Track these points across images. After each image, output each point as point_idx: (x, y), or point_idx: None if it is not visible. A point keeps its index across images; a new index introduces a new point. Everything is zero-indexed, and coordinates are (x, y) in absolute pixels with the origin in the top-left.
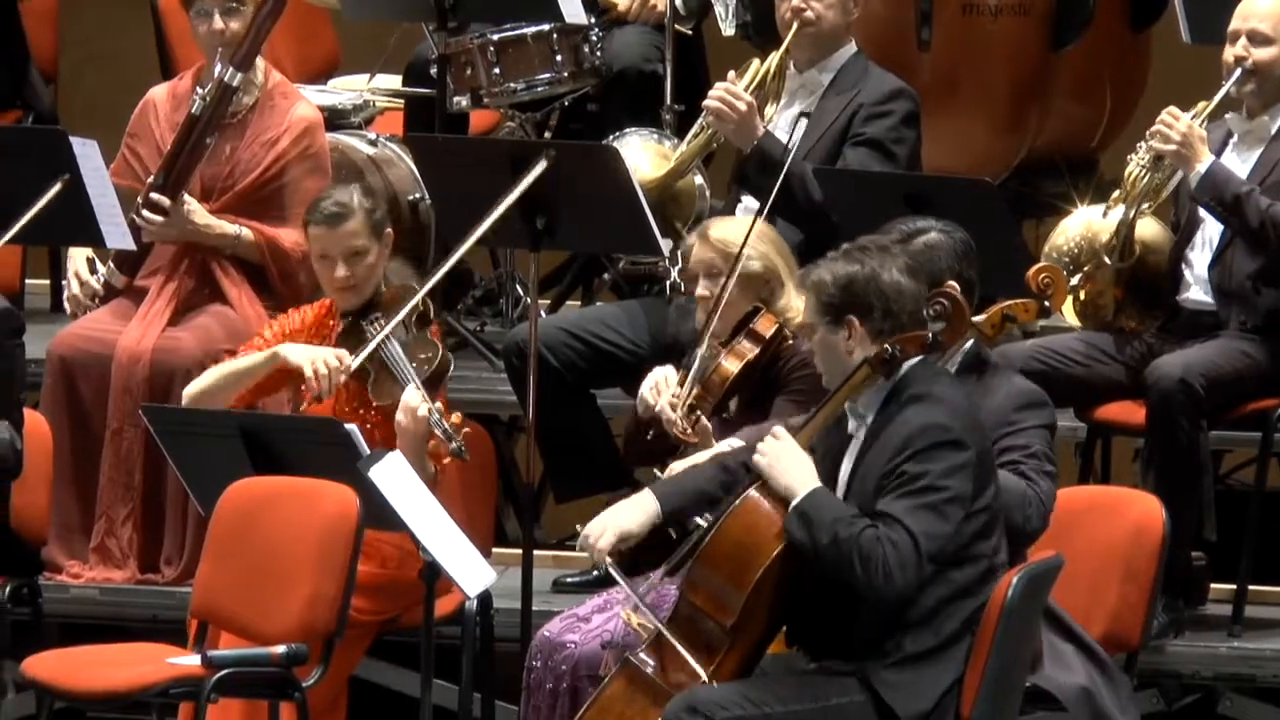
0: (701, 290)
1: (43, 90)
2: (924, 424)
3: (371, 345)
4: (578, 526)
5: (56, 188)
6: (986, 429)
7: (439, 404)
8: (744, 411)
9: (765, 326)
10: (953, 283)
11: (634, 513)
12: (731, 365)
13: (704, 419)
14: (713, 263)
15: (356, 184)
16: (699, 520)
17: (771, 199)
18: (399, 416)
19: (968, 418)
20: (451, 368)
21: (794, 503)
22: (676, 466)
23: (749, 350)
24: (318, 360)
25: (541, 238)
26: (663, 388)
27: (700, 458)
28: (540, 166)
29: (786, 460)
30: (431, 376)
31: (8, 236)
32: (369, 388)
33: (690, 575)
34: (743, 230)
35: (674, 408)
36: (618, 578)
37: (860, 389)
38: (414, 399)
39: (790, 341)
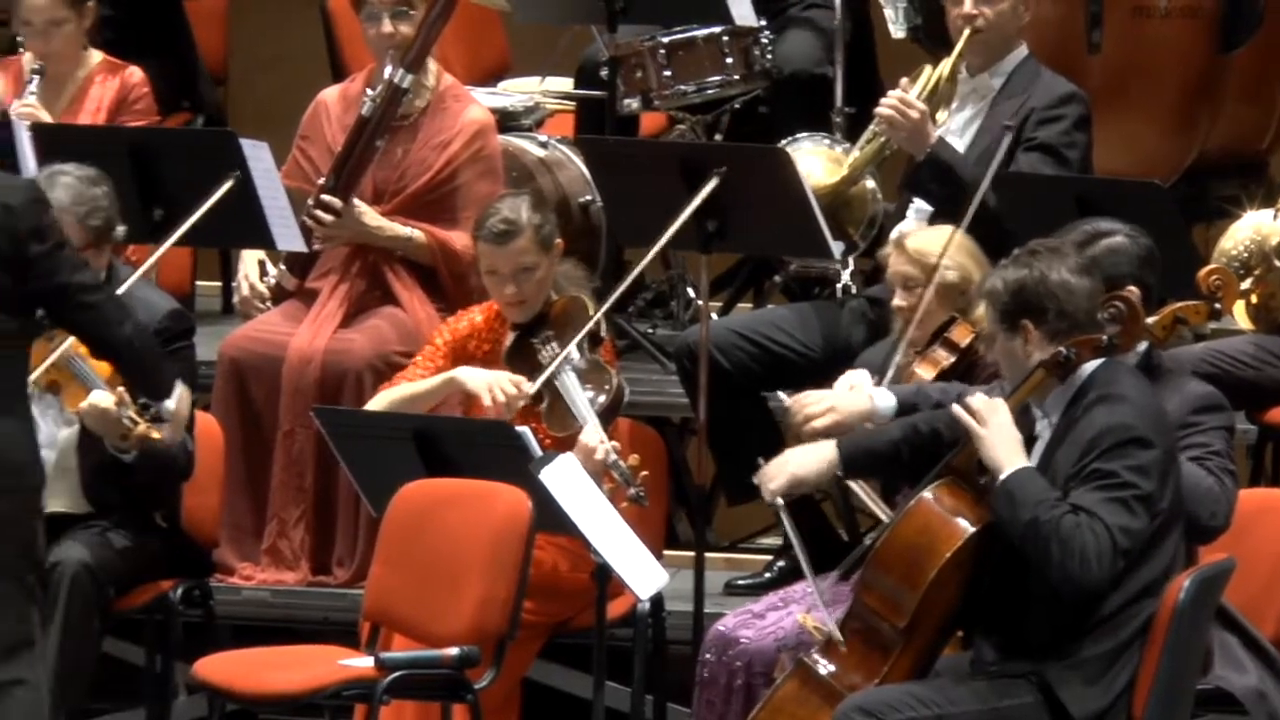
0: (898, 301)
1: (212, 92)
2: (1112, 423)
3: (548, 372)
4: (768, 488)
5: (228, 184)
6: (1171, 429)
7: (616, 444)
8: None
9: (961, 336)
10: (1132, 287)
11: (812, 460)
12: (925, 373)
13: None
14: (909, 274)
15: (526, 196)
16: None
17: (971, 212)
18: (576, 454)
19: (1154, 417)
20: (626, 396)
21: (1001, 478)
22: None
23: (943, 359)
24: (495, 387)
25: (713, 240)
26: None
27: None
28: (712, 184)
29: (998, 432)
30: (607, 409)
31: (177, 234)
32: (543, 414)
33: (864, 576)
34: (938, 240)
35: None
36: (785, 521)
37: (1038, 392)
38: (591, 439)
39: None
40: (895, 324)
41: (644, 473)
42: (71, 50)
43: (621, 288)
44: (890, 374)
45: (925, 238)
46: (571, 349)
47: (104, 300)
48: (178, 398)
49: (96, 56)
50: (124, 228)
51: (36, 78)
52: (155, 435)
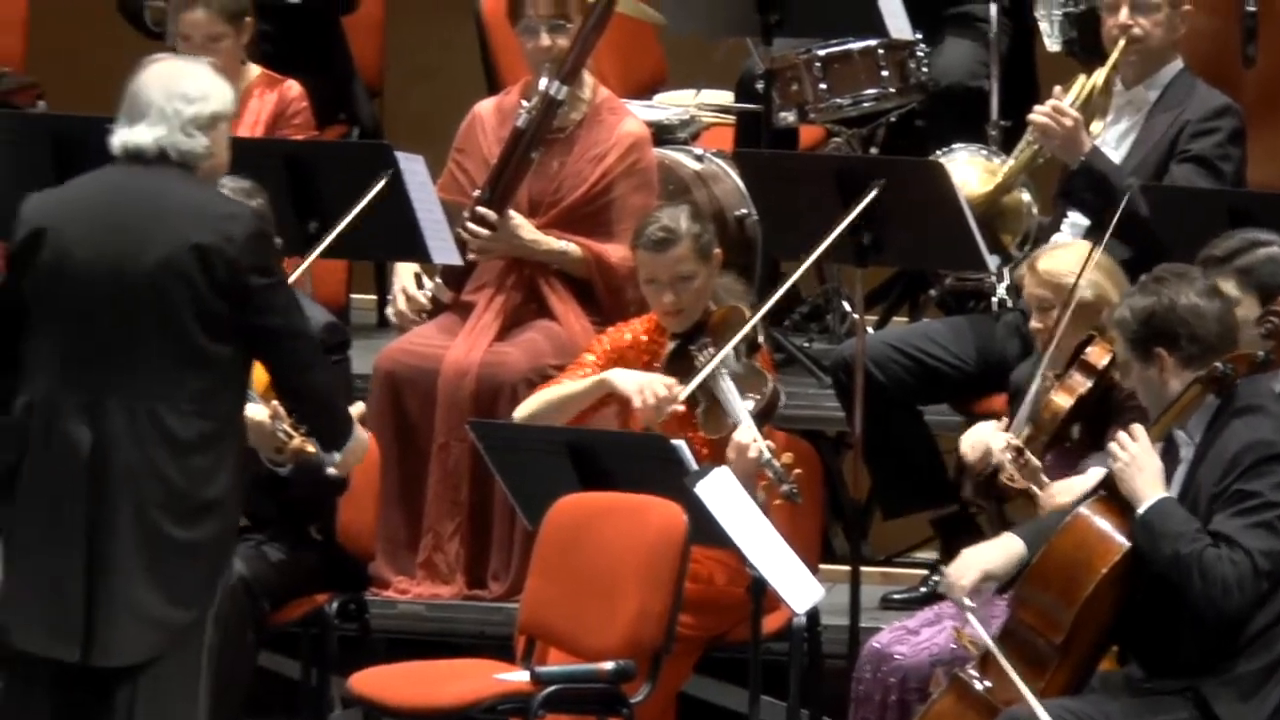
0: (1034, 324)
1: (368, 104)
2: (1251, 440)
3: (703, 374)
4: (959, 585)
5: (381, 183)
6: None
7: (770, 443)
8: (1083, 439)
9: (1098, 356)
10: None
11: (998, 554)
12: (1063, 401)
13: (1033, 459)
14: (1043, 297)
15: (685, 206)
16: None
17: (1112, 227)
18: (730, 454)
19: None
20: (782, 401)
21: (1140, 511)
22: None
23: (1081, 384)
24: (646, 390)
25: (868, 253)
26: (985, 444)
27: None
28: (871, 195)
29: (1138, 463)
30: (762, 412)
31: (330, 237)
32: (698, 417)
33: (1020, 592)
34: (1071, 259)
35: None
36: (974, 622)
37: (1185, 414)
38: (745, 437)
39: None
40: (1036, 345)
41: (797, 470)
42: (230, 65)
43: (778, 294)
44: (1029, 404)
45: (1057, 258)
46: (727, 350)
47: (303, 347)
48: (348, 450)
49: (255, 71)
50: (280, 240)
51: None
52: (310, 449)
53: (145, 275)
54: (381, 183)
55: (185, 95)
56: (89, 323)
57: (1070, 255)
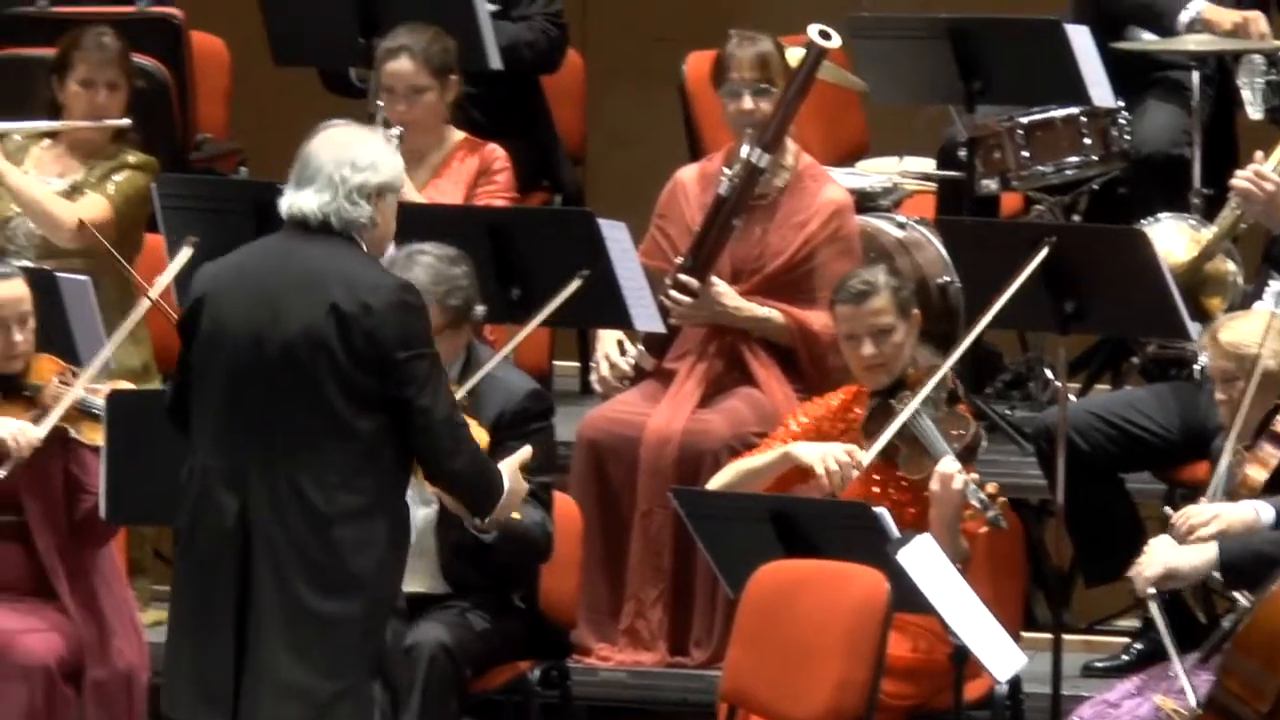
0: (1219, 395)
1: (570, 171)
2: None
3: (898, 422)
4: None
5: (575, 284)
6: None
7: (974, 475)
8: None
9: None
10: None
11: (1190, 554)
12: (1257, 474)
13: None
14: (1226, 369)
15: (882, 264)
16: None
17: None
18: (933, 485)
19: None
20: (984, 442)
21: None
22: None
23: (1272, 455)
24: (828, 458)
25: (1070, 321)
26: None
27: None
28: (1042, 254)
29: None
30: (964, 450)
31: (534, 324)
32: (900, 463)
33: (1225, 660)
34: (1252, 329)
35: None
36: (1155, 611)
37: None
38: (949, 468)
39: None
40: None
41: (1001, 499)
42: (432, 121)
43: (971, 335)
44: (1221, 479)
45: (1239, 328)
46: (922, 395)
47: (447, 429)
48: (490, 520)
49: (458, 135)
50: (483, 307)
51: (394, 142)
52: (515, 515)
53: (285, 343)
54: (577, 282)
55: (354, 163)
56: (237, 390)
57: (1252, 325)
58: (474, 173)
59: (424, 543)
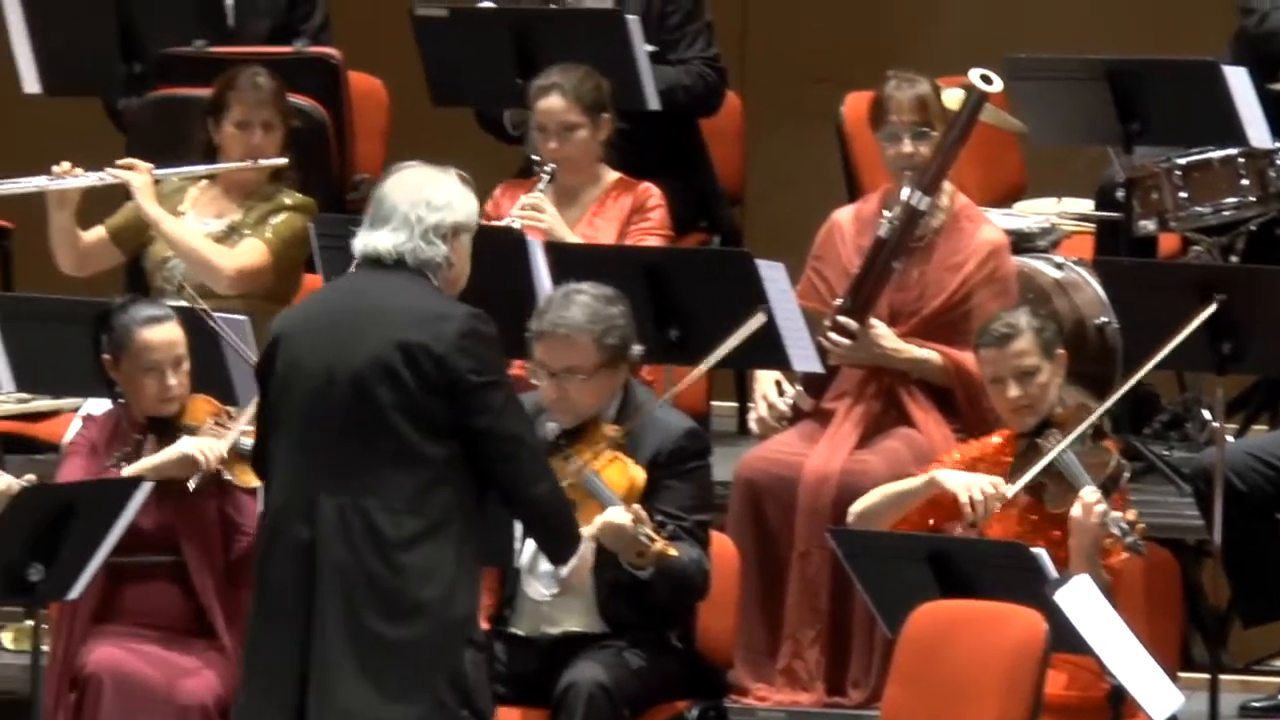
0: None
1: (728, 212)
2: None
3: (1039, 466)
4: None
5: (755, 323)
6: None
7: (1117, 513)
8: None
9: None
10: None
11: None
12: None
13: None
14: None
15: (1025, 305)
16: None
17: None
18: (1073, 512)
19: None
20: (1127, 473)
21: None
22: None
23: None
24: (973, 487)
25: (1228, 362)
26: None
27: None
28: (1209, 310)
29: None
30: (1106, 480)
31: (703, 367)
32: (1046, 500)
33: None
34: None
35: None
36: None
37: None
38: (1090, 496)
39: None
40: None
41: (1140, 525)
42: (584, 159)
43: (1127, 385)
44: None
45: None
46: (1071, 439)
47: (526, 455)
48: (572, 568)
49: (612, 175)
50: (640, 347)
51: (546, 178)
52: (672, 552)
53: (354, 373)
54: (756, 322)
55: (430, 202)
56: (309, 425)
57: None
58: (628, 211)
59: (581, 581)
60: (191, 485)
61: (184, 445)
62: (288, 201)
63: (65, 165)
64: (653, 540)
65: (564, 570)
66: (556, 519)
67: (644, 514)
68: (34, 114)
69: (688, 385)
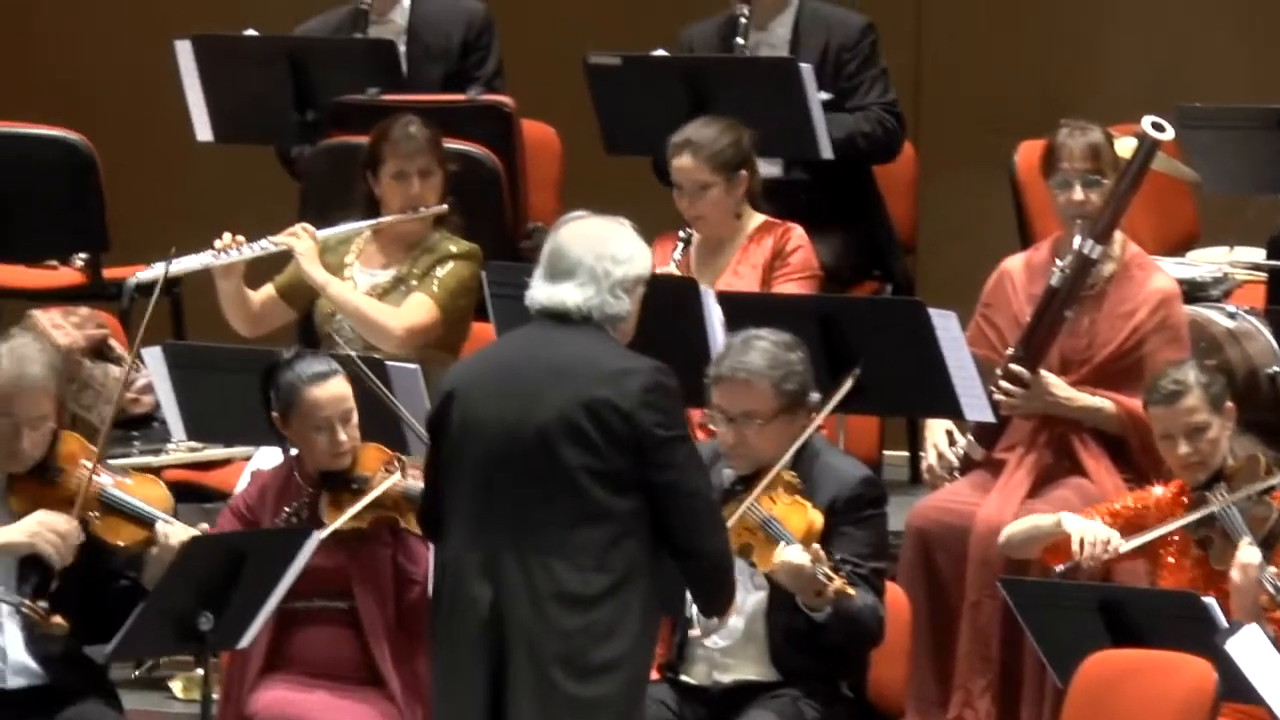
0: None
1: (901, 260)
2: None
3: (1160, 530)
4: None
5: (849, 384)
6: None
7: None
8: None
9: None
10: None
11: None
12: None
13: None
14: None
15: (1190, 359)
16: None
17: None
18: (1233, 574)
19: None
20: None
21: None
22: None
23: None
24: (1087, 533)
25: None
26: None
27: None
28: None
29: None
30: (1267, 535)
31: (813, 427)
32: (1211, 555)
33: None
34: None
35: None
36: None
37: None
38: (1245, 556)
39: None
40: None
41: None
42: (718, 216)
43: None
44: None
45: None
46: (1240, 496)
47: (704, 509)
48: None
49: (757, 219)
50: (817, 395)
51: (681, 244)
52: (850, 591)
53: (539, 430)
54: (849, 384)
55: (614, 257)
56: (488, 481)
57: None
58: (769, 255)
59: (754, 629)
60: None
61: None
62: (452, 250)
63: (229, 238)
64: (831, 579)
65: (715, 621)
66: (722, 574)
67: (822, 553)
68: (207, 161)
69: (779, 470)
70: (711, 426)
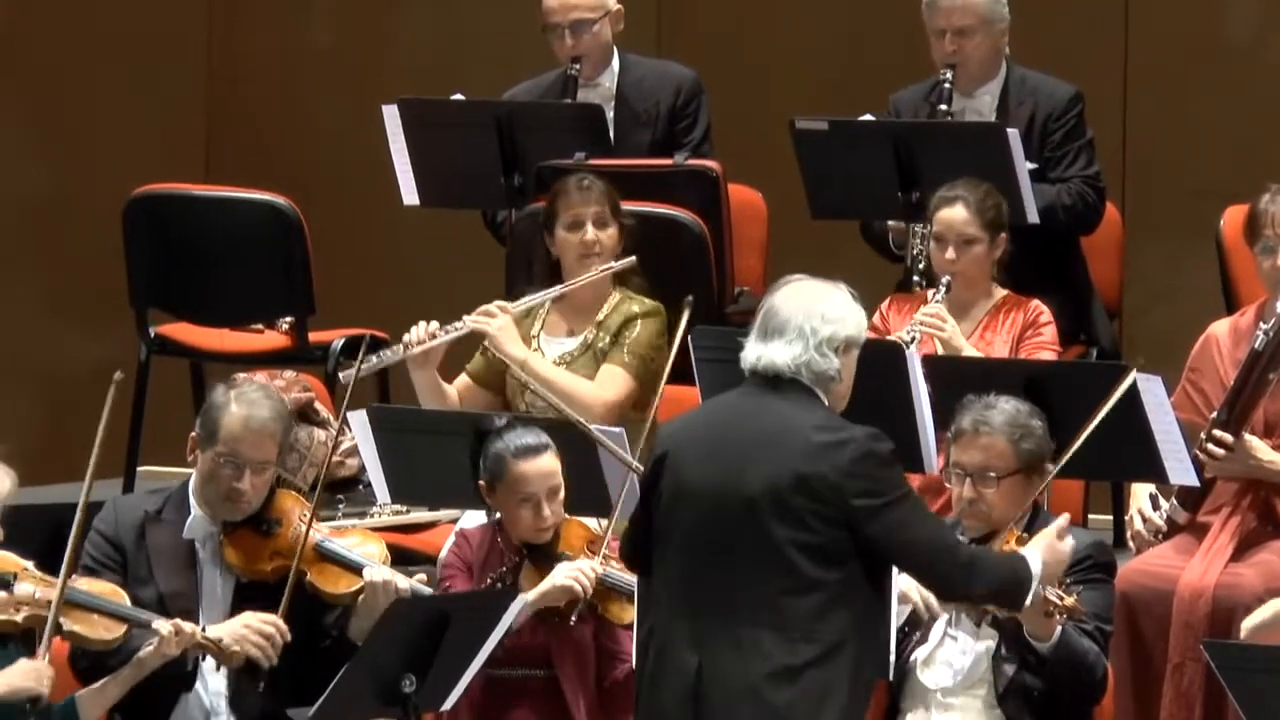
0: None
1: (1107, 325)
2: None
3: None
4: None
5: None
6: None
7: None
8: None
9: None
10: None
11: None
12: None
13: None
14: None
15: None
16: None
17: None
18: None
19: None
20: None
21: None
22: None
23: None
24: None
25: None
26: None
27: None
28: None
29: None
30: None
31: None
32: None
33: None
34: None
35: None
36: None
37: None
38: None
39: None
40: None
41: None
42: (977, 273)
43: None
44: None
45: None
46: None
47: (945, 558)
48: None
49: (1002, 292)
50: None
51: (943, 290)
52: (1081, 608)
53: (748, 500)
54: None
55: (824, 315)
56: (697, 548)
57: None
58: (1021, 327)
59: (976, 673)
60: (573, 620)
61: (558, 576)
62: (635, 310)
63: (421, 331)
64: (1062, 598)
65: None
66: (1001, 596)
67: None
68: (413, 226)
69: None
70: (947, 484)
